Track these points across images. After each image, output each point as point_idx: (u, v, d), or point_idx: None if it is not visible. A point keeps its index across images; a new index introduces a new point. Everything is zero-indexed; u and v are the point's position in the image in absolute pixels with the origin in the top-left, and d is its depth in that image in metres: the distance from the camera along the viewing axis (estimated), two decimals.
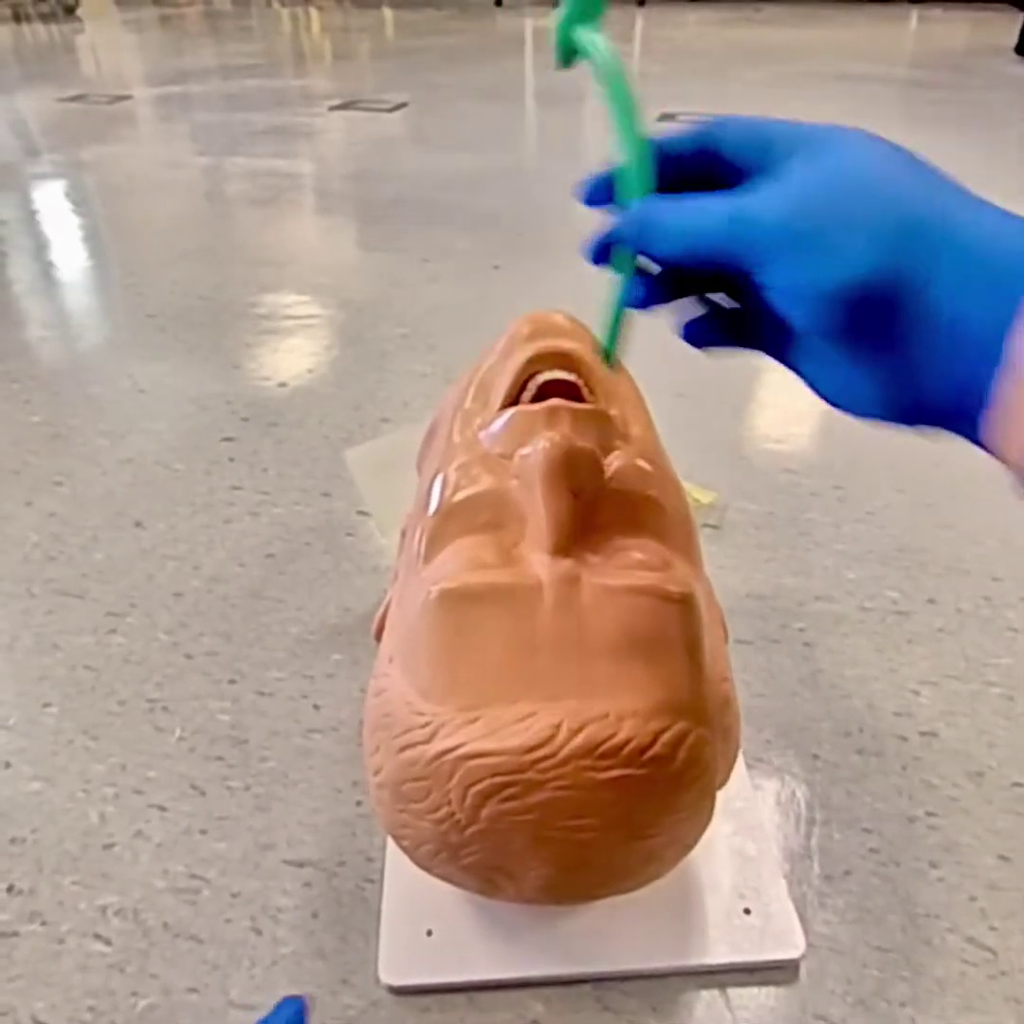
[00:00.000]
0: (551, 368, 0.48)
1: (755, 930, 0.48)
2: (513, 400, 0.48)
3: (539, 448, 0.41)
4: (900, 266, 0.25)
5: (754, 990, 0.47)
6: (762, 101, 2.43)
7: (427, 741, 0.39)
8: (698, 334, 0.36)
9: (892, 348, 0.27)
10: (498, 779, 0.37)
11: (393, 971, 0.47)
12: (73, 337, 1.24)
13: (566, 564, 0.41)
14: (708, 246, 0.30)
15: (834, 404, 0.32)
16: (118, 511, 0.84)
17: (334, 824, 0.55)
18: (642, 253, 0.33)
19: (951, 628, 0.69)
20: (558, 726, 0.37)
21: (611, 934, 0.48)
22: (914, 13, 4.08)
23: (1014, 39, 2.99)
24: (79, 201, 1.82)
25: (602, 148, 2.10)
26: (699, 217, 0.30)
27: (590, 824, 0.38)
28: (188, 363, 1.14)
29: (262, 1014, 0.46)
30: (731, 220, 0.29)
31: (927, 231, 0.26)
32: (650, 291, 0.35)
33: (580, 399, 0.48)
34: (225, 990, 0.47)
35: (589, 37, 0.32)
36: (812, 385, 0.33)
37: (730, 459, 0.91)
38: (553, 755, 0.37)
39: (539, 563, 0.41)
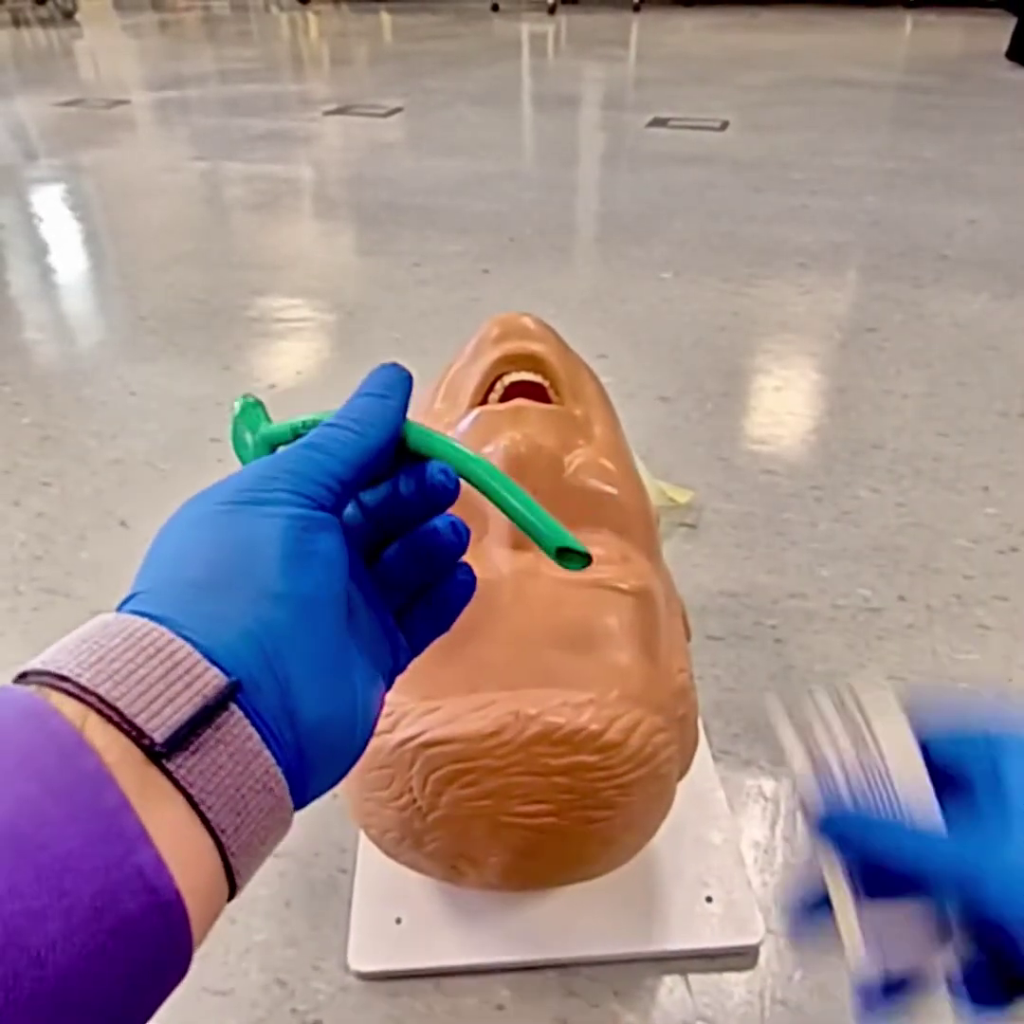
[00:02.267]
0: (518, 369, 0.49)
1: (716, 917, 0.49)
2: (481, 400, 0.49)
3: (500, 447, 0.43)
4: None
5: (714, 975, 0.48)
6: (758, 105, 2.44)
7: (389, 730, 0.40)
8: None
9: None
10: (457, 766, 0.39)
11: (362, 958, 0.48)
12: (66, 339, 1.25)
13: (526, 558, 0.42)
14: (939, 893, 0.26)
15: None
16: (105, 511, 0.86)
17: (310, 816, 0.56)
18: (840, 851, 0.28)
19: (921, 625, 0.70)
20: (515, 714, 0.38)
21: (576, 921, 0.49)
22: (908, 18, 4.09)
23: (1006, 44, 3.01)
24: (75, 205, 1.83)
25: (594, 154, 2.12)
26: (918, 846, 0.27)
27: (546, 809, 0.39)
28: (179, 365, 1.15)
29: (235, 1001, 0.48)
30: (972, 869, 0.25)
31: None
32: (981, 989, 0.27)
33: (546, 400, 0.49)
34: (199, 975, 0.48)
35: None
36: None
37: (711, 460, 0.92)
38: (510, 742, 0.38)
39: (500, 557, 0.42)
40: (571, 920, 0.49)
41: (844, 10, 4.28)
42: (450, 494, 0.29)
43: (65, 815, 0.18)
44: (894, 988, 0.27)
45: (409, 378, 0.30)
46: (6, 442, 0.98)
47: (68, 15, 4.69)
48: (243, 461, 0.33)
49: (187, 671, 0.22)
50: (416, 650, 0.32)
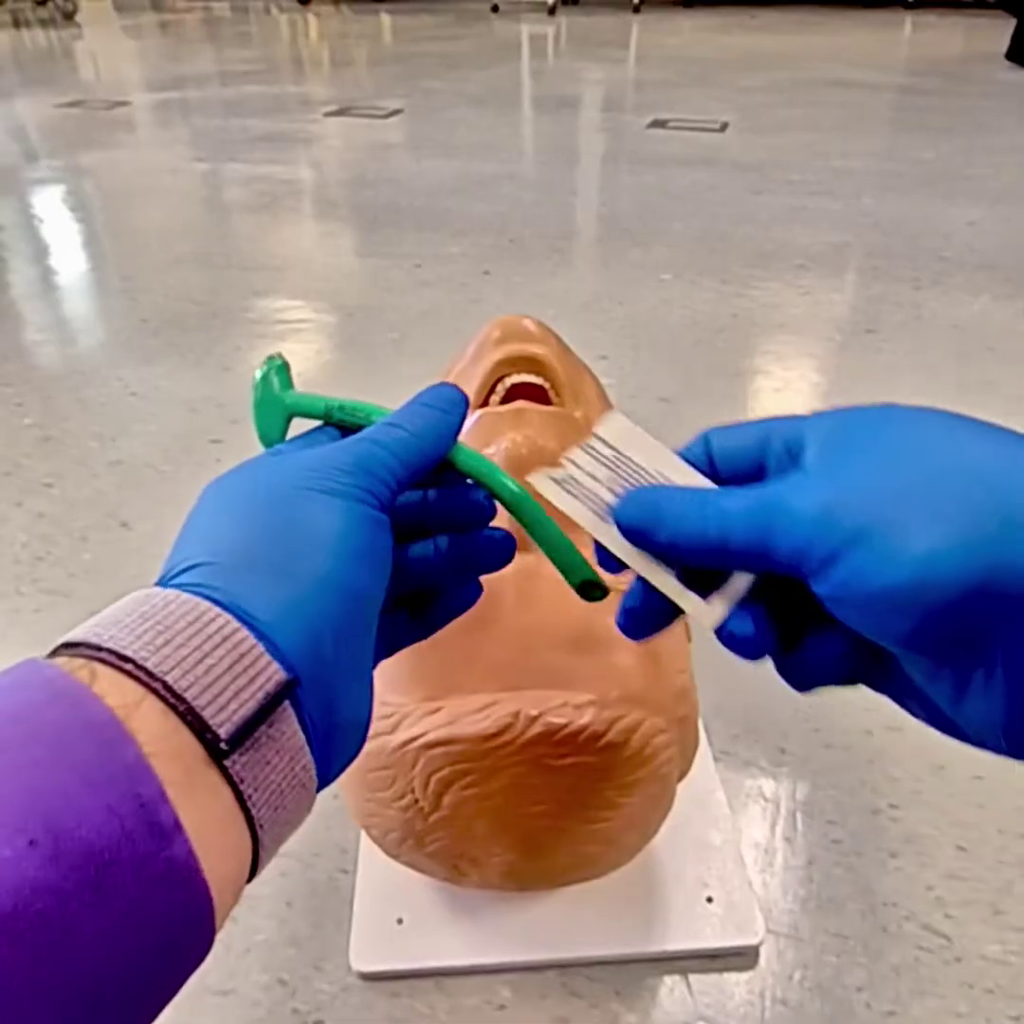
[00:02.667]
0: (519, 371, 0.50)
1: (717, 918, 0.49)
2: (483, 402, 0.50)
3: (501, 448, 0.43)
4: (1004, 553, 0.20)
5: (715, 976, 0.48)
6: (758, 107, 2.44)
7: (391, 731, 0.40)
8: (752, 641, 0.25)
9: (1007, 652, 0.21)
10: (459, 766, 0.39)
11: (364, 958, 0.48)
12: (67, 341, 1.26)
13: (527, 559, 0.42)
14: (731, 537, 0.24)
15: (947, 730, 0.25)
16: (107, 512, 0.86)
17: (311, 816, 0.56)
18: (643, 544, 0.26)
19: None
20: (516, 715, 0.38)
21: (577, 921, 0.49)
22: (908, 19, 4.10)
23: (1006, 45, 3.01)
24: (76, 206, 1.83)
25: (594, 155, 2.12)
26: (721, 502, 0.25)
27: (548, 810, 0.40)
28: (180, 367, 1.15)
29: (236, 1001, 0.48)
30: (761, 507, 0.24)
31: None
32: (761, 629, 0.26)
33: (547, 401, 0.49)
34: (200, 975, 0.48)
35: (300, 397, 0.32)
36: (909, 709, 0.26)
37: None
38: (512, 743, 0.38)
39: None
40: (572, 920, 0.49)
41: (843, 11, 4.29)
42: (486, 519, 0.30)
43: (102, 808, 0.18)
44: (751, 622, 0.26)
45: (466, 400, 0.31)
46: (8, 443, 0.98)
47: (68, 16, 4.69)
48: (259, 422, 0.33)
49: (251, 664, 0.21)
50: (390, 651, 0.32)
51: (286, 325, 1.26)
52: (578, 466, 0.28)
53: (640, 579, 0.27)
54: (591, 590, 0.31)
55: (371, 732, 0.42)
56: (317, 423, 0.32)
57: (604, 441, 0.29)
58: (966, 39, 3.64)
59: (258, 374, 0.33)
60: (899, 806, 0.57)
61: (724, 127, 2.25)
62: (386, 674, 0.42)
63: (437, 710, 0.40)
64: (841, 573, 0.22)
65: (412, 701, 0.40)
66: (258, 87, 2.93)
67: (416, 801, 0.40)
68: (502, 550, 0.31)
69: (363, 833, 0.54)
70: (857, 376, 1.08)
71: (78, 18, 4.71)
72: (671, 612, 0.27)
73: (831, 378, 1.08)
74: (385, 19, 4.56)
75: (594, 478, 0.28)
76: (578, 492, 0.28)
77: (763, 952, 0.49)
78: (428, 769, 0.39)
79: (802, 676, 0.26)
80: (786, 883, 0.52)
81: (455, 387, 0.31)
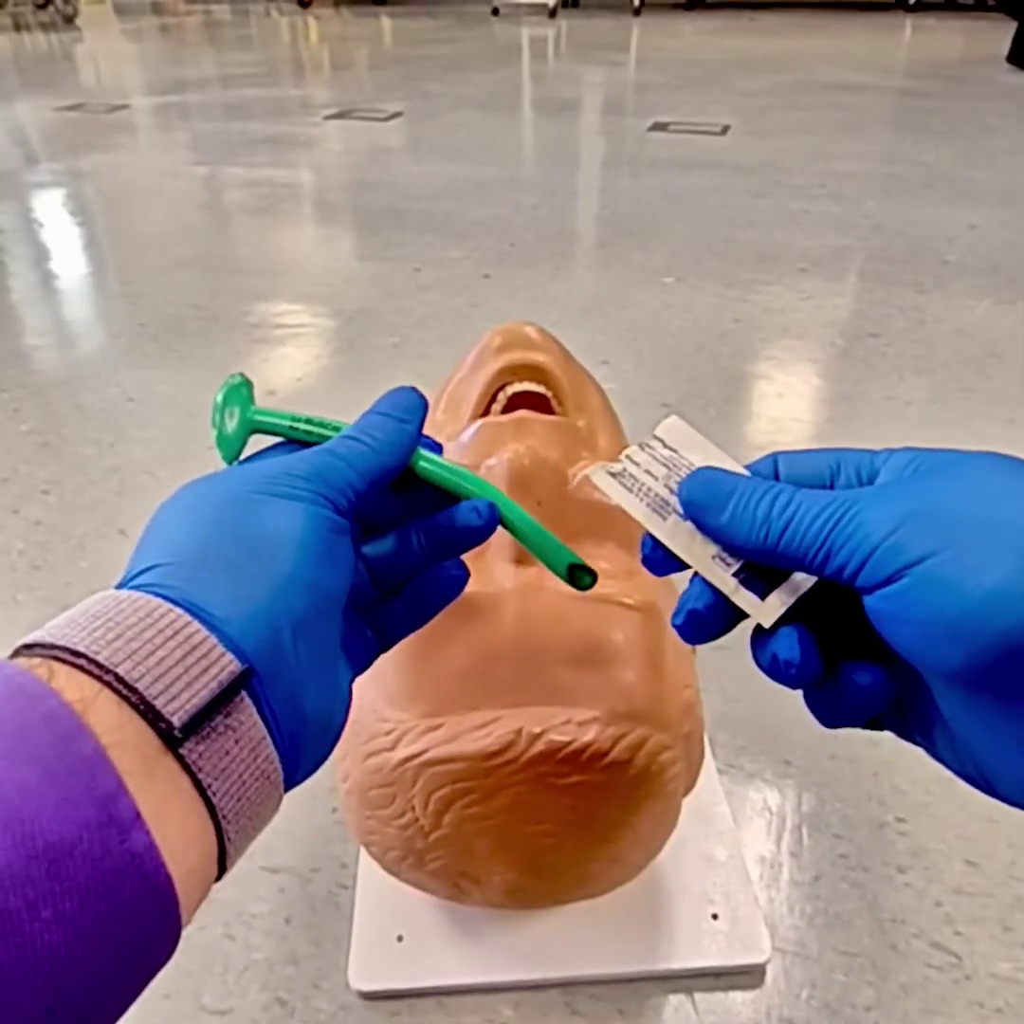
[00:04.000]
0: (521, 380, 0.49)
1: (722, 935, 0.48)
2: (484, 411, 0.49)
3: (503, 459, 0.42)
4: None
5: (721, 995, 0.47)
6: (758, 110, 2.44)
7: (391, 748, 0.40)
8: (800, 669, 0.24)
9: None
10: (460, 785, 0.38)
11: (363, 976, 0.48)
12: (65, 346, 1.25)
13: (530, 573, 0.42)
14: (798, 528, 0.24)
15: (979, 785, 0.24)
16: (104, 520, 0.85)
17: (310, 831, 0.56)
18: (702, 523, 0.26)
19: None
20: (519, 732, 0.38)
21: (580, 939, 0.49)
22: (908, 22, 4.10)
23: (1006, 48, 3.01)
24: (76, 210, 1.83)
25: (595, 159, 2.12)
26: (792, 491, 0.25)
27: (551, 829, 0.39)
28: (179, 372, 1.14)
29: (234, 1020, 0.47)
30: (836, 503, 0.23)
31: None
32: (808, 654, 0.25)
33: (549, 410, 0.49)
34: (197, 995, 0.48)
35: (268, 415, 0.32)
36: (941, 758, 0.26)
37: None
38: (514, 761, 0.37)
39: (503, 572, 0.42)
40: (575, 938, 0.49)
41: (843, 14, 4.29)
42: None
43: (61, 800, 0.18)
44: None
45: (426, 405, 0.31)
46: (5, 450, 0.97)
47: (69, 19, 4.69)
48: (220, 438, 0.32)
49: (204, 655, 0.22)
50: (385, 646, 0.32)
51: (286, 329, 1.26)
52: (635, 463, 0.29)
53: (701, 580, 0.27)
54: (580, 575, 0.31)
55: (371, 748, 0.41)
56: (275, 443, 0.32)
57: (662, 442, 0.29)
58: (966, 42, 3.63)
59: (220, 394, 0.32)
60: (906, 820, 0.56)
61: (725, 130, 2.24)
62: (387, 690, 0.41)
63: (438, 727, 0.39)
64: (903, 590, 0.22)
65: (412, 717, 0.40)
66: (258, 90, 2.92)
67: (416, 819, 0.40)
68: (480, 525, 0.31)
69: (362, 849, 0.53)
70: (859, 381, 1.07)
71: (78, 21, 4.71)
72: (732, 616, 0.27)
73: (833, 383, 1.08)
74: (385, 22, 4.56)
75: (651, 475, 0.28)
76: (634, 487, 0.28)
77: (769, 970, 0.48)
78: (428, 787, 0.39)
79: (834, 709, 0.26)
80: (792, 899, 0.52)
81: (414, 390, 0.31)
